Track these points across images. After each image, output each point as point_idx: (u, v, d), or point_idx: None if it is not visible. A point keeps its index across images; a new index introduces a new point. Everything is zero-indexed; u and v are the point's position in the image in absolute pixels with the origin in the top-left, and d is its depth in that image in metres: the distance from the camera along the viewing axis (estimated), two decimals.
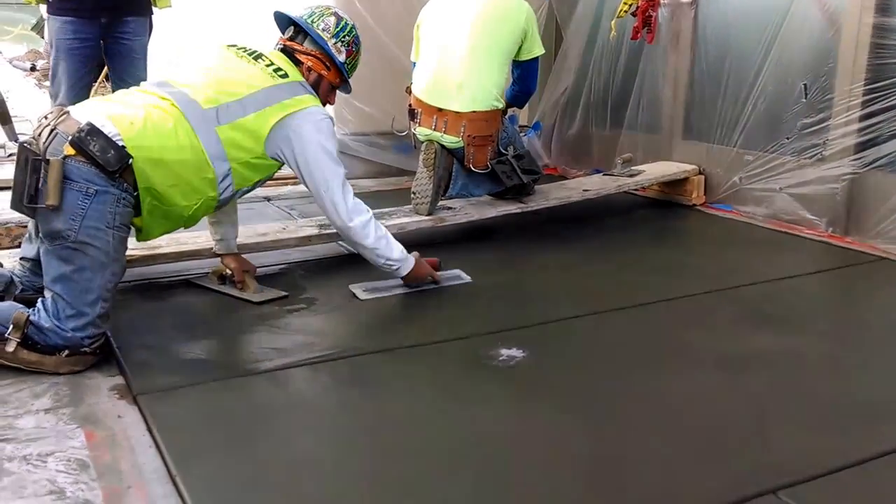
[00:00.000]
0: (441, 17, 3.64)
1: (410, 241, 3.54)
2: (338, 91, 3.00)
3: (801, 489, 1.78)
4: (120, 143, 2.32)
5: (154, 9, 4.02)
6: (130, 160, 2.33)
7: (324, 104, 2.86)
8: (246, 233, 3.23)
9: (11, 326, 2.22)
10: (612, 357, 2.51)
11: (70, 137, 2.28)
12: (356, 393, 2.24)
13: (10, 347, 2.22)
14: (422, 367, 2.43)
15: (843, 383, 2.37)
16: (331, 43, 2.84)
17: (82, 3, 3.79)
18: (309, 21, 2.85)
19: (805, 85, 3.80)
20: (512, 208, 3.80)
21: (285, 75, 2.70)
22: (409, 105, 3.69)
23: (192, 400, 2.17)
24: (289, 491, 1.77)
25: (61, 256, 2.29)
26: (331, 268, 3.33)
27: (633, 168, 4.39)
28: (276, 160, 2.70)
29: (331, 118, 2.77)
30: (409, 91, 3.71)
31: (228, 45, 2.81)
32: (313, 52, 2.84)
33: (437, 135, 3.56)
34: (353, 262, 3.38)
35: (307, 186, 2.78)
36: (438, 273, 3.05)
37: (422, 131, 3.62)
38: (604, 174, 4.46)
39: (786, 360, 2.48)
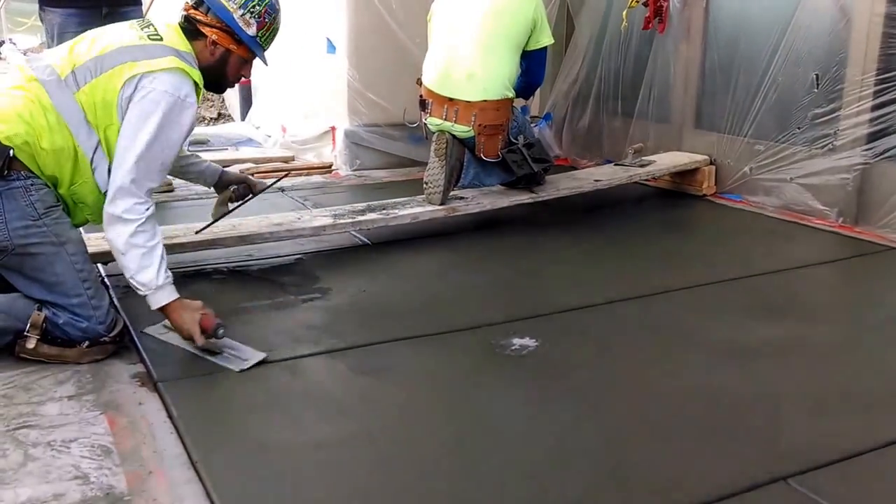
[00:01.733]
0: (452, 7, 3.65)
1: (424, 230, 3.59)
2: (260, 60, 2.65)
3: (813, 476, 1.80)
4: None
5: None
6: (11, 151, 2.18)
7: (236, 80, 2.63)
8: (260, 223, 3.27)
9: (30, 325, 2.25)
10: (623, 346, 2.54)
11: None
12: (371, 382, 2.28)
13: (31, 344, 2.25)
14: (435, 357, 2.46)
15: (853, 371, 2.38)
16: (237, 14, 2.47)
17: None
18: None
19: (816, 75, 3.80)
20: (523, 198, 3.82)
21: (159, 39, 2.40)
22: (420, 96, 3.71)
23: (211, 388, 2.21)
24: (306, 476, 1.81)
25: (13, 266, 2.26)
26: (345, 257, 3.37)
27: (643, 158, 4.40)
28: None
29: (188, 99, 2.35)
30: (419, 83, 3.73)
31: (130, 22, 2.53)
32: (218, 25, 2.48)
33: (447, 125, 3.59)
34: (368, 252, 3.43)
35: (116, 146, 2.33)
36: (207, 338, 2.35)
37: (433, 121, 3.64)
38: (615, 164, 4.47)
39: (796, 349, 2.50)
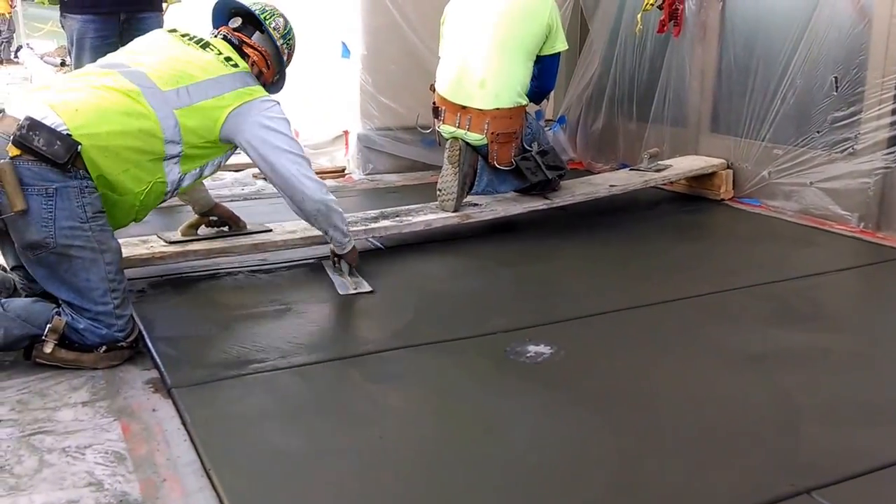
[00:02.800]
0: (464, 13, 3.62)
1: (438, 235, 3.58)
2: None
3: (836, 490, 1.77)
4: (65, 132, 2.24)
5: (164, 4, 4.07)
6: (79, 147, 2.25)
7: None
8: (274, 230, 3.26)
9: (49, 329, 2.25)
10: (639, 354, 2.50)
11: (11, 137, 2.20)
12: (383, 389, 2.26)
13: (48, 348, 2.25)
14: (449, 364, 2.44)
15: (875, 381, 2.34)
16: (279, 43, 2.85)
17: (100, 1, 3.84)
18: (262, 17, 2.82)
19: (835, 78, 3.76)
20: (537, 204, 3.80)
21: (236, 65, 2.69)
22: (433, 103, 3.69)
23: (225, 394, 2.20)
24: (319, 484, 1.79)
25: (48, 263, 2.27)
26: (359, 263, 3.34)
27: (659, 163, 4.37)
28: (226, 143, 2.65)
29: (280, 105, 2.77)
30: (433, 89, 3.71)
31: (170, 30, 2.78)
32: (260, 48, 2.82)
33: (461, 132, 3.56)
34: (382, 257, 3.42)
35: (272, 172, 2.73)
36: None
37: (446, 129, 3.62)
38: (630, 169, 4.44)
39: (817, 358, 2.46)
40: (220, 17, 2.88)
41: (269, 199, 4.43)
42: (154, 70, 2.51)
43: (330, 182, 4.89)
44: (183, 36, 2.72)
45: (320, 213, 2.82)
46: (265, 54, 2.82)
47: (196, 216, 3.17)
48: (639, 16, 4.51)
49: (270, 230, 3.25)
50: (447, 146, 3.62)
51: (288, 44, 2.90)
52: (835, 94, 3.77)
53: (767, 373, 2.36)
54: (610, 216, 4.06)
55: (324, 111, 5.40)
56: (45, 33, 16.61)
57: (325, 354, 2.45)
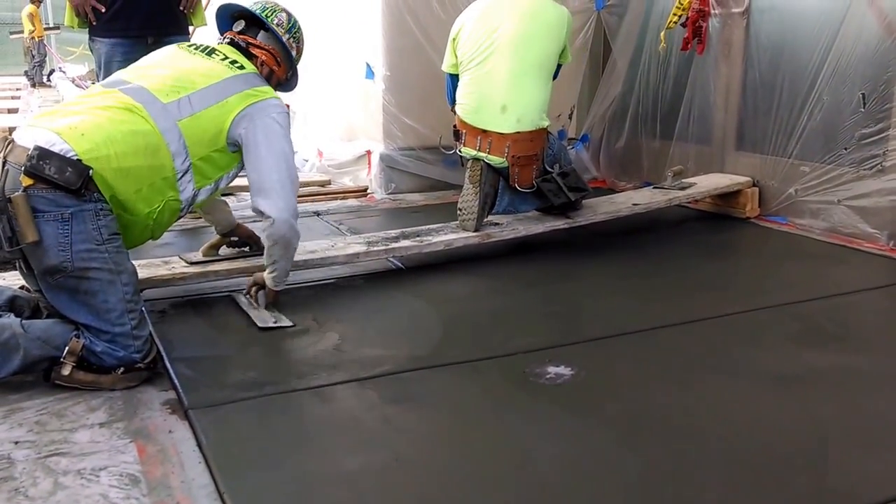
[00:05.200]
0: (481, 34, 3.56)
1: (458, 255, 3.55)
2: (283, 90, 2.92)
3: None
4: (75, 158, 2.23)
5: (190, 27, 4.11)
6: (91, 171, 2.24)
7: None
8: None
9: (67, 351, 2.25)
10: (663, 375, 2.45)
11: (22, 167, 2.19)
12: (402, 411, 2.23)
13: (66, 371, 2.26)
14: (468, 385, 2.41)
15: None
16: (285, 38, 2.81)
17: (129, 24, 3.88)
18: (263, 15, 2.79)
19: (863, 94, 3.70)
20: (559, 223, 3.77)
21: (242, 67, 2.67)
22: (454, 126, 3.67)
23: (242, 415, 2.18)
24: None
25: (67, 287, 2.27)
26: (379, 282, 3.34)
27: (683, 181, 4.32)
28: (236, 151, 2.62)
29: (287, 111, 2.75)
30: (454, 111, 3.70)
31: (178, 45, 2.78)
32: (266, 47, 2.80)
33: (482, 155, 3.54)
34: (402, 277, 3.40)
35: (254, 171, 2.63)
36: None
37: (467, 151, 3.60)
38: (654, 187, 4.39)
39: (847, 380, 2.40)
40: (224, 22, 2.88)
41: None
42: (155, 83, 2.50)
43: (352, 201, 4.91)
44: (189, 47, 2.74)
45: (283, 237, 2.70)
46: (273, 52, 2.80)
47: (217, 236, 3.17)
48: (662, 34, 4.49)
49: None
50: (468, 166, 3.60)
51: (294, 37, 2.86)
52: (862, 110, 3.71)
53: (797, 395, 2.30)
54: (633, 235, 4.01)
55: (348, 131, 5.43)
56: (77, 57, 16.93)
57: (343, 375, 2.43)
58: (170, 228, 4.14)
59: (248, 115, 2.58)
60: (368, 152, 5.13)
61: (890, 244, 3.63)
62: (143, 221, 2.46)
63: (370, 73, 5.02)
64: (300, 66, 2.96)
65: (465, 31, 3.61)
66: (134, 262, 2.88)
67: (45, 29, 15.91)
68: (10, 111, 10.89)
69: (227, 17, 2.87)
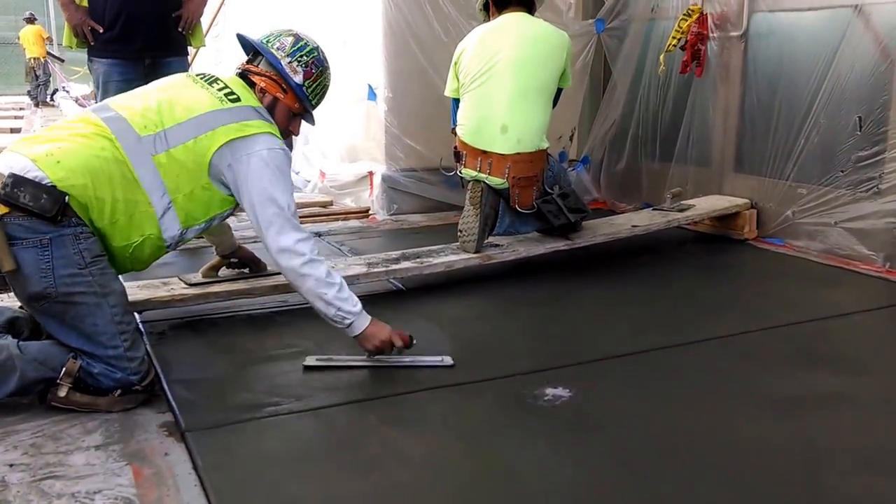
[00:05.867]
0: (484, 57, 3.59)
1: (459, 276, 3.57)
2: (304, 122, 2.78)
3: None
4: (50, 185, 2.20)
5: (189, 48, 4.15)
6: (67, 198, 2.21)
7: (286, 133, 2.70)
8: None
9: (64, 372, 2.25)
10: (660, 397, 2.45)
11: None
12: (400, 434, 2.23)
13: (63, 392, 2.26)
14: (466, 407, 2.41)
15: None
16: (285, 62, 2.62)
17: (127, 46, 3.92)
18: (265, 42, 2.66)
19: (859, 117, 3.73)
20: (559, 245, 3.78)
21: (237, 99, 2.52)
22: (455, 147, 3.70)
23: (239, 437, 2.19)
24: None
25: (54, 313, 2.26)
26: (379, 304, 3.33)
27: (683, 202, 4.34)
28: (226, 192, 2.52)
29: (285, 150, 2.53)
30: (454, 132, 3.73)
31: (187, 74, 2.71)
32: (267, 73, 2.64)
33: (482, 176, 3.56)
34: (402, 299, 3.41)
35: (249, 217, 2.53)
36: (408, 353, 2.64)
37: (467, 172, 3.62)
38: (653, 209, 4.41)
39: (844, 403, 2.40)
40: (244, 52, 2.79)
41: None
42: (136, 113, 2.41)
43: (354, 222, 4.93)
44: (197, 76, 2.63)
45: (289, 280, 2.56)
46: (274, 78, 2.64)
47: (218, 257, 3.17)
48: (661, 56, 4.53)
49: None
50: (469, 187, 3.62)
51: (299, 60, 2.64)
52: (859, 133, 3.73)
53: (794, 418, 2.30)
54: (633, 256, 4.03)
55: (350, 152, 5.47)
56: (81, 76, 17.06)
57: (342, 397, 2.43)
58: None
59: (230, 152, 2.44)
60: (370, 173, 5.16)
61: (886, 266, 3.64)
62: (119, 253, 2.40)
63: (372, 95, 5.06)
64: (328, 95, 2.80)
65: (467, 55, 3.64)
66: (133, 282, 2.93)
67: (49, 55, 16.01)
68: (12, 130, 10.98)
69: (244, 49, 2.78)
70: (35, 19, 16.44)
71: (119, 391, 2.31)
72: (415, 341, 2.64)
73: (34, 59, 15.77)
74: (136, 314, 3.01)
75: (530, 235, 3.85)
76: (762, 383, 2.53)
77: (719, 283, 3.73)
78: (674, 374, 2.63)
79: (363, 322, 2.55)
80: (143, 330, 2.95)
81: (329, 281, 2.50)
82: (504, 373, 2.61)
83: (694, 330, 3.00)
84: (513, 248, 3.72)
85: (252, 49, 2.73)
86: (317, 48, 2.72)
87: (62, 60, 16.52)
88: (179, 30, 4.01)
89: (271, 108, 2.64)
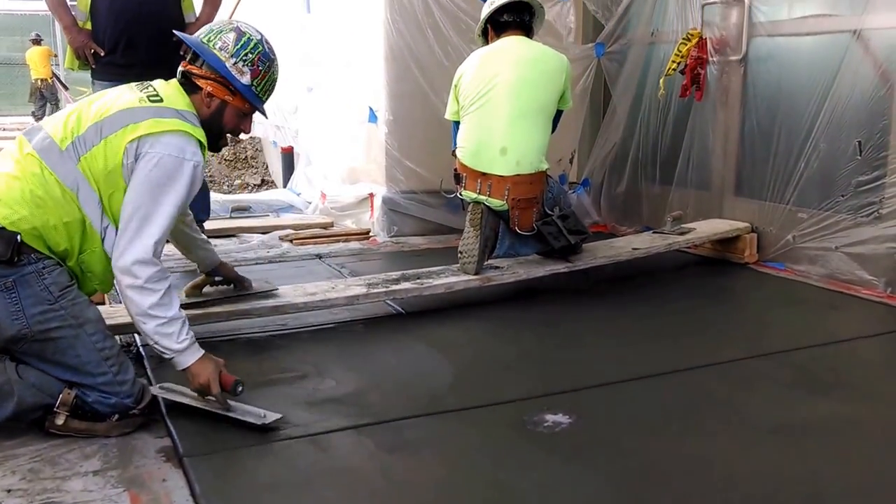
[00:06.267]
0: (483, 79, 3.61)
1: (459, 299, 3.56)
2: (259, 113, 2.62)
3: None
4: None
5: None
6: (19, 237, 2.16)
7: (235, 134, 2.62)
8: (294, 292, 3.28)
9: (60, 401, 2.25)
10: (660, 424, 2.45)
11: None
12: (399, 460, 2.23)
13: (60, 420, 2.25)
14: (465, 433, 2.40)
15: None
16: (229, 63, 2.45)
17: (128, 70, 3.93)
18: (205, 41, 2.47)
19: (859, 142, 3.73)
20: (560, 267, 3.78)
21: (159, 100, 2.39)
22: (455, 169, 3.71)
23: (237, 463, 2.18)
24: None
25: (35, 352, 2.24)
26: (378, 327, 3.35)
27: (683, 226, 4.34)
28: None
29: (194, 161, 2.33)
30: (454, 155, 3.74)
31: (128, 84, 2.54)
32: (212, 76, 2.46)
33: (482, 198, 3.57)
34: (401, 322, 3.41)
35: (120, 212, 2.31)
36: (233, 401, 2.41)
37: (468, 194, 3.63)
38: (654, 232, 4.41)
39: (845, 431, 2.39)
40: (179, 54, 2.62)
41: (294, 262, 4.48)
42: (59, 127, 2.32)
43: (354, 244, 4.94)
44: (135, 85, 2.50)
45: (120, 290, 2.32)
46: (221, 80, 2.47)
47: (201, 276, 3.07)
48: (661, 80, 4.55)
49: (276, 288, 3.22)
50: (469, 209, 3.63)
51: (244, 59, 2.46)
52: (859, 158, 3.74)
53: (794, 446, 2.29)
54: (633, 280, 4.02)
55: (350, 174, 5.48)
56: (84, 96, 17.15)
57: (340, 423, 2.42)
58: (172, 270, 4.17)
59: (137, 147, 2.29)
60: (371, 195, 5.17)
61: (887, 291, 3.64)
62: (76, 272, 2.33)
63: (373, 117, 5.09)
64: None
65: (466, 78, 3.66)
66: None
67: (55, 77, 16.10)
68: None
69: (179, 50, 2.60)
70: (41, 40, 16.55)
71: (116, 416, 2.30)
72: (240, 389, 2.39)
73: (41, 80, 15.85)
74: (136, 336, 3.03)
75: (530, 257, 3.85)
76: (763, 410, 2.52)
77: (720, 308, 3.72)
78: (674, 401, 2.62)
79: (186, 359, 2.33)
80: (143, 353, 2.96)
81: (152, 313, 2.27)
82: (504, 398, 2.61)
83: (695, 355, 2.99)
84: (513, 270, 3.72)
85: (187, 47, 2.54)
86: (261, 40, 2.53)
87: (66, 88, 16.65)
88: (182, 53, 4.03)
89: (220, 112, 2.51)
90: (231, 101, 2.51)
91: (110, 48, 3.99)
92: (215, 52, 2.46)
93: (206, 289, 3.11)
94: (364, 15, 5.10)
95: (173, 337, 2.30)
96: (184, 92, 2.49)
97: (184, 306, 2.93)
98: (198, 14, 4.25)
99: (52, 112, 16.05)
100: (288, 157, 6.87)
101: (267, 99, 2.62)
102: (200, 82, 2.48)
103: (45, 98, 15.94)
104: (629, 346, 3.13)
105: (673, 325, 3.38)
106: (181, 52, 2.59)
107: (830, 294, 3.77)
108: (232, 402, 2.40)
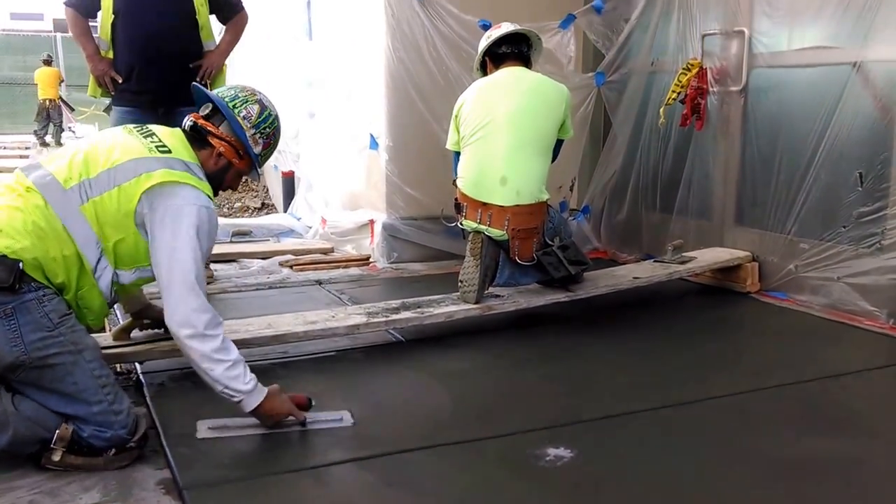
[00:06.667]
0: (484, 109, 3.62)
1: (459, 329, 3.55)
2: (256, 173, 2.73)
3: None
4: (0, 255, 2.16)
5: None
6: (21, 264, 2.17)
7: (226, 188, 2.70)
8: (295, 321, 3.27)
9: (57, 437, 2.23)
10: (662, 459, 2.43)
11: None
12: (399, 493, 2.21)
13: (57, 457, 2.23)
14: (466, 467, 2.38)
15: None
16: (250, 133, 2.58)
17: (142, 96, 4.02)
18: (231, 105, 2.57)
19: (860, 173, 3.74)
20: (560, 296, 3.77)
21: (168, 151, 2.45)
22: (455, 199, 3.72)
23: (237, 496, 2.16)
24: None
25: (32, 381, 2.23)
26: (378, 356, 3.33)
27: (684, 254, 4.34)
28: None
29: (209, 208, 2.44)
30: (455, 184, 3.75)
31: (125, 126, 2.62)
32: (228, 138, 2.57)
33: (482, 227, 3.57)
34: (401, 351, 3.39)
35: (155, 272, 2.40)
36: (307, 413, 2.57)
37: (468, 224, 3.63)
38: (654, 260, 4.41)
39: (848, 468, 2.37)
40: (197, 101, 2.72)
41: (294, 289, 4.48)
42: (62, 167, 2.36)
43: (354, 270, 4.93)
44: (134, 128, 2.55)
45: (183, 350, 2.40)
46: (234, 144, 2.58)
47: (129, 318, 2.95)
48: (662, 109, 4.57)
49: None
50: (469, 238, 3.63)
51: (262, 133, 2.61)
52: (860, 189, 3.75)
53: (797, 483, 2.27)
54: (634, 309, 4.02)
55: (351, 200, 5.49)
56: (87, 117, 17.22)
57: (341, 455, 2.41)
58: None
59: (152, 198, 2.35)
60: (371, 221, 5.17)
61: (890, 322, 3.63)
62: (73, 307, 2.34)
63: (374, 144, 5.10)
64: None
65: (466, 109, 3.68)
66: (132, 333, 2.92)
67: (61, 99, 16.18)
68: None
69: (200, 99, 2.70)
70: (52, 61, 16.65)
71: (113, 450, 2.28)
72: (313, 402, 2.58)
73: (49, 100, 15.93)
74: (137, 364, 3.02)
75: (531, 286, 3.84)
76: (766, 445, 2.50)
77: (721, 339, 3.71)
78: (675, 434, 2.60)
79: (255, 399, 2.41)
80: (143, 381, 2.94)
81: (217, 357, 2.35)
82: (505, 430, 2.59)
83: (696, 388, 2.98)
84: (513, 299, 3.71)
85: (206, 101, 2.64)
86: (276, 115, 2.69)
87: (72, 109, 16.72)
88: (197, 80, 4.06)
89: (225, 171, 2.61)
90: (237, 164, 2.62)
91: (126, 75, 4.06)
92: (239, 119, 2.57)
93: (135, 332, 2.96)
94: (365, 42, 5.13)
95: (240, 379, 2.38)
96: (188, 145, 2.55)
97: (109, 348, 2.81)
98: (217, 42, 4.27)
99: (54, 132, 16.13)
100: (289, 181, 6.88)
101: (264, 164, 2.75)
102: (214, 141, 2.57)
103: (50, 118, 16.00)
104: (631, 379, 3.11)
105: (675, 357, 3.36)
106: (198, 80, 2.61)
107: (833, 325, 3.76)
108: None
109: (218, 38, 4.28)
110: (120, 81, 4.05)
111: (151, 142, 2.47)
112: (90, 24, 4.17)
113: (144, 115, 3.96)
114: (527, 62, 3.75)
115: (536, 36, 3.78)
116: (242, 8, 4.42)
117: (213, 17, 4.28)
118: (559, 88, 3.70)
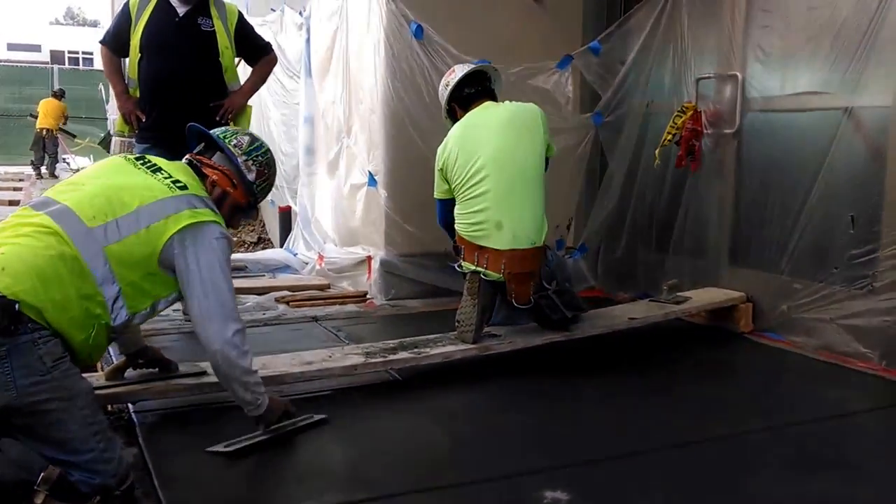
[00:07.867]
0: (465, 161, 3.59)
1: (456, 368, 3.55)
2: (246, 214, 2.87)
3: None
4: None
5: None
6: (17, 305, 2.14)
7: (229, 225, 2.74)
8: (291, 361, 3.27)
9: (42, 478, 2.16)
10: (662, 500, 2.43)
11: None
12: None
13: (39, 500, 2.16)
14: None
15: None
16: (241, 159, 2.73)
17: (161, 134, 4.04)
18: (222, 136, 2.76)
19: (852, 216, 3.79)
20: (557, 336, 3.78)
21: (184, 187, 2.55)
22: (454, 243, 3.73)
23: None
24: None
25: (23, 427, 2.19)
26: (374, 396, 3.33)
27: (679, 294, 4.37)
28: (172, 276, 2.51)
29: (229, 238, 2.61)
30: (445, 229, 3.75)
31: (126, 157, 2.69)
32: (220, 167, 2.71)
33: (480, 269, 3.59)
34: (398, 390, 3.39)
35: (190, 304, 2.53)
36: (286, 420, 2.84)
37: (466, 266, 3.64)
38: (650, 300, 4.44)
39: None
40: (191, 142, 2.86)
41: (290, 325, 4.48)
42: (82, 205, 2.38)
43: (351, 307, 4.94)
44: (136, 161, 2.64)
45: (217, 369, 2.58)
46: (227, 173, 2.71)
47: (123, 358, 2.95)
48: (657, 151, 4.62)
49: (204, 371, 3.00)
50: (467, 278, 3.64)
51: (255, 160, 2.76)
52: (852, 231, 3.79)
53: None
54: (630, 349, 4.02)
55: (348, 236, 5.51)
56: (81, 148, 17.27)
57: (335, 497, 2.40)
58: (166, 332, 4.15)
59: (182, 238, 2.46)
60: (369, 258, 5.19)
61: (882, 364, 3.65)
62: (81, 348, 2.33)
63: (373, 182, 5.14)
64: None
65: (451, 159, 3.64)
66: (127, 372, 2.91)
67: (61, 129, 16.24)
68: (10, 203, 11.01)
69: (194, 138, 2.85)
70: (62, 96, 16.68)
71: (98, 497, 2.24)
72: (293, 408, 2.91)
73: (45, 129, 15.97)
74: (130, 405, 3.01)
75: (528, 326, 3.85)
76: (762, 488, 2.51)
77: (716, 380, 3.71)
78: (671, 477, 2.60)
79: (266, 399, 2.71)
80: (135, 420, 2.93)
81: (253, 370, 2.63)
82: (503, 472, 2.59)
83: (693, 430, 2.98)
84: (510, 338, 3.72)
85: (203, 140, 2.81)
86: (269, 150, 2.86)
87: (73, 136, 16.76)
88: (218, 119, 4.10)
89: (220, 200, 2.70)
90: (232, 193, 2.74)
91: (147, 114, 4.14)
92: (230, 147, 2.75)
93: (129, 372, 2.96)
94: (363, 80, 5.19)
95: (261, 384, 2.68)
96: (197, 178, 2.68)
97: (104, 388, 2.83)
98: (242, 82, 4.34)
99: (49, 163, 16.15)
100: (285, 216, 6.91)
101: (261, 199, 2.90)
102: (207, 170, 2.72)
103: (46, 149, 16.03)
104: (627, 420, 3.12)
105: (670, 398, 3.37)
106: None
107: (826, 366, 3.77)
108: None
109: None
110: (143, 119, 4.10)
111: (164, 177, 2.56)
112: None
113: (165, 152, 3.96)
114: (493, 96, 3.78)
115: (493, 68, 3.82)
116: (271, 50, 4.49)
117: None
118: (532, 108, 3.70)
